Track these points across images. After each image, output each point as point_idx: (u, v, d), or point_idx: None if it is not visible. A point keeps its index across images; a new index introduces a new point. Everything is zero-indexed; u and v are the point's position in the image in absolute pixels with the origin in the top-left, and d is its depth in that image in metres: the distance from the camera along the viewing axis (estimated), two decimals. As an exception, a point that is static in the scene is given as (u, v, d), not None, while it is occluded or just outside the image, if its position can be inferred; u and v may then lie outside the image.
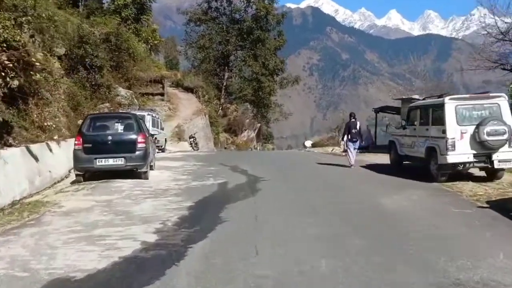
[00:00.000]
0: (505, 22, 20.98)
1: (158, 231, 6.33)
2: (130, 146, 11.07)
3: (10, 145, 9.61)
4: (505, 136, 10.40)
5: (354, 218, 7.29)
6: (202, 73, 41.12)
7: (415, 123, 12.47)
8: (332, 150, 26.09)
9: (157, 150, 18.86)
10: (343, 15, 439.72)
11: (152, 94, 31.69)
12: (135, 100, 25.85)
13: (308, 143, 40.42)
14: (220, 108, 42.16)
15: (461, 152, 10.53)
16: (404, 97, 23.59)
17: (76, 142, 10.89)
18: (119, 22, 27.31)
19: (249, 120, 44.42)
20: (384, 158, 15.52)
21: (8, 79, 9.39)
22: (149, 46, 34.28)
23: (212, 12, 43.87)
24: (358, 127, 14.59)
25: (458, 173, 11.03)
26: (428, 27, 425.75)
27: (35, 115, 11.74)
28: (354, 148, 14.48)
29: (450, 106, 10.71)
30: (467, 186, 10.15)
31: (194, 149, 27.27)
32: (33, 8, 11.86)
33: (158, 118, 22.23)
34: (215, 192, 9.80)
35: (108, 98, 21.50)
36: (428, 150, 11.40)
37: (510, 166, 10.97)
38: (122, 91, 24.51)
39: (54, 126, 12.42)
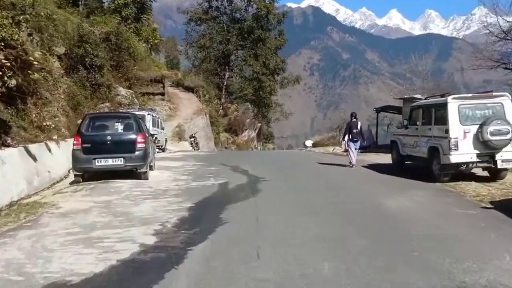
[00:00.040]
0: (507, 21, 20.88)
1: (157, 233, 6.22)
2: (130, 146, 10.94)
3: (8, 145, 9.49)
4: (509, 136, 10.32)
5: (356, 219, 7.18)
6: (202, 73, 41.10)
7: (418, 122, 12.38)
8: (333, 150, 26.01)
9: (157, 150, 18.78)
10: (344, 14, 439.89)
11: (153, 94, 31.61)
12: (136, 100, 25.74)
13: (309, 142, 40.37)
14: (221, 107, 42.10)
15: (464, 152, 10.44)
16: (405, 96, 23.46)
17: (75, 142, 10.76)
18: (119, 22, 27.19)
19: (249, 120, 44.36)
20: (385, 158, 15.43)
21: (5, 78, 9.27)
22: (150, 45, 34.15)
23: (213, 12, 43.80)
24: (359, 127, 14.60)
25: (460, 173, 10.95)
26: (429, 27, 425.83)
27: (34, 115, 11.61)
28: (355, 148, 14.48)
29: (453, 106, 10.61)
30: (470, 187, 10.06)
31: (194, 149, 27.19)
32: (32, 6, 11.74)
33: (158, 117, 22.14)
34: (216, 193, 9.68)
35: (108, 97, 21.39)
36: (430, 150, 11.31)
37: (513, 166, 10.86)
38: (123, 91, 24.41)
39: (53, 126, 12.30)
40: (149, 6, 34.20)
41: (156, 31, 35.33)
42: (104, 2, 33.87)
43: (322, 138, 45.82)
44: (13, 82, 9.49)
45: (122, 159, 10.79)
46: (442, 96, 12.06)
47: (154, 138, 17.64)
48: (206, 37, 42.32)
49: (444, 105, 10.86)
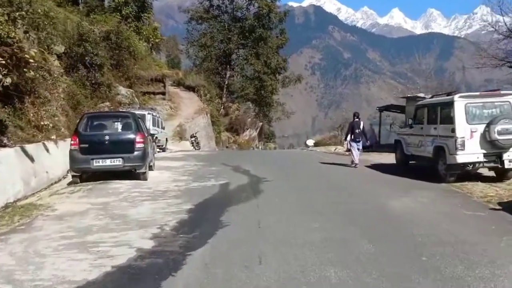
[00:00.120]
0: (512, 19, 20.65)
1: (155, 237, 5.98)
2: (128, 146, 10.69)
3: (5, 145, 9.27)
4: (516, 135, 10.05)
5: (359, 221, 6.95)
6: (203, 72, 40.89)
7: (423, 121, 12.12)
8: (335, 149, 25.77)
9: (158, 150, 18.57)
10: (345, 13, 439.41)
11: (154, 93, 31.40)
12: (136, 99, 25.54)
13: (310, 142, 40.11)
14: (222, 107, 41.90)
15: (470, 151, 10.20)
16: (409, 95, 23.22)
17: (72, 142, 10.50)
18: (119, 20, 26.94)
19: (251, 119, 44.15)
20: (388, 158, 15.21)
21: (0, 76, 9.04)
22: (150, 44, 33.93)
23: (214, 10, 43.59)
24: (361, 127, 14.45)
25: (466, 173, 10.70)
26: (431, 26, 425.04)
27: (32, 114, 11.37)
28: (358, 148, 14.32)
29: (460, 104, 10.36)
30: (477, 187, 9.82)
31: (195, 149, 26.98)
32: (29, 3, 11.49)
33: (159, 117, 21.93)
34: (216, 194, 9.44)
35: (108, 97, 21.17)
36: (436, 149, 11.07)
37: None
38: (123, 90, 24.19)
39: (51, 125, 12.05)
40: (150, 5, 33.96)
41: (157, 30, 35.10)
42: (104, 1, 33.67)
43: (323, 137, 45.49)
44: (8, 80, 9.26)
45: (120, 159, 10.55)
46: (449, 94, 11.81)
47: (154, 137, 17.43)
48: (207, 36, 42.08)
49: (450, 104, 10.61)
